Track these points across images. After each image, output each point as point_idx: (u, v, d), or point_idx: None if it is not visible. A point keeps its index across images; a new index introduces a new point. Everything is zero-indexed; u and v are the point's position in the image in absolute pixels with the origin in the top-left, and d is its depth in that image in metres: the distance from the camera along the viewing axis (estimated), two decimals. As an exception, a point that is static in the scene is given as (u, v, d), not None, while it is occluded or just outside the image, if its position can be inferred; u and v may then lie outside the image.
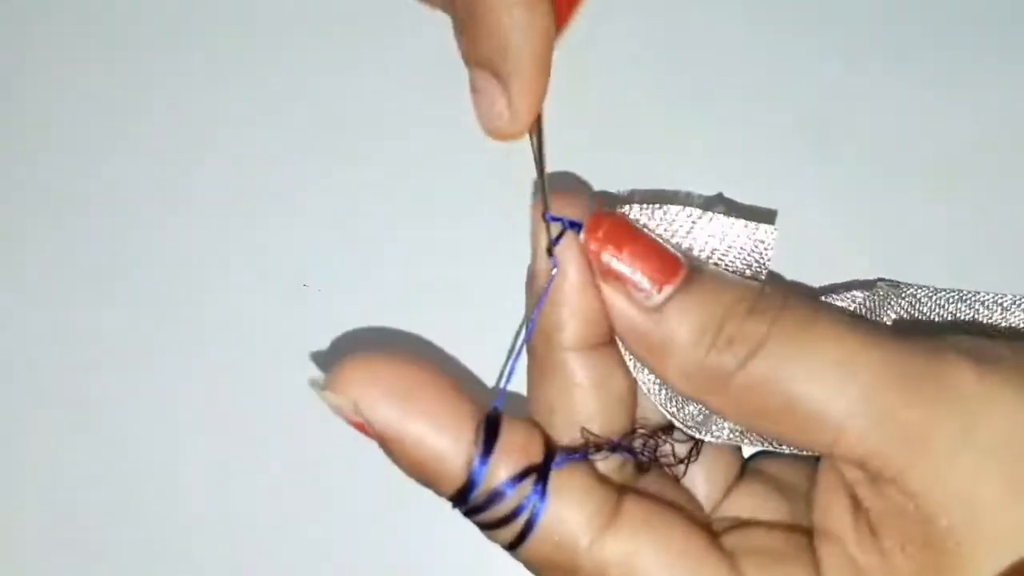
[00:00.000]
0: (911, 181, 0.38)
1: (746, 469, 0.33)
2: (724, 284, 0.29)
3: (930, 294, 0.34)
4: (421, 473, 0.28)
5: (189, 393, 0.38)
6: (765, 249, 0.31)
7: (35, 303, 0.39)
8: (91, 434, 0.38)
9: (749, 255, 0.31)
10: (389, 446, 0.28)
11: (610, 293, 0.29)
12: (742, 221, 0.30)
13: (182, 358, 0.38)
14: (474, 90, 0.30)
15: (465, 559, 0.37)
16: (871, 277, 0.37)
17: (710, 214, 0.30)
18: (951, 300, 0.34)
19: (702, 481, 0.32)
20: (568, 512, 0.28)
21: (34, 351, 0.39)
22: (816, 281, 0.37)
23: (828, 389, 0.26)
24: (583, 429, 0.30)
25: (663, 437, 0.31)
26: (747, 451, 0.33)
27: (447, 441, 0.27)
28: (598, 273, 0.29)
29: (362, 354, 0.28)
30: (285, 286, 0.38)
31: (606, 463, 0.30)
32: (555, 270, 0.29)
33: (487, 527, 0.28)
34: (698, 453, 0.32)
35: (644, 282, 0.29)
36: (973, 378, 0.26)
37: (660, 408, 0.31)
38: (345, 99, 0.39)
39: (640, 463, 0.31)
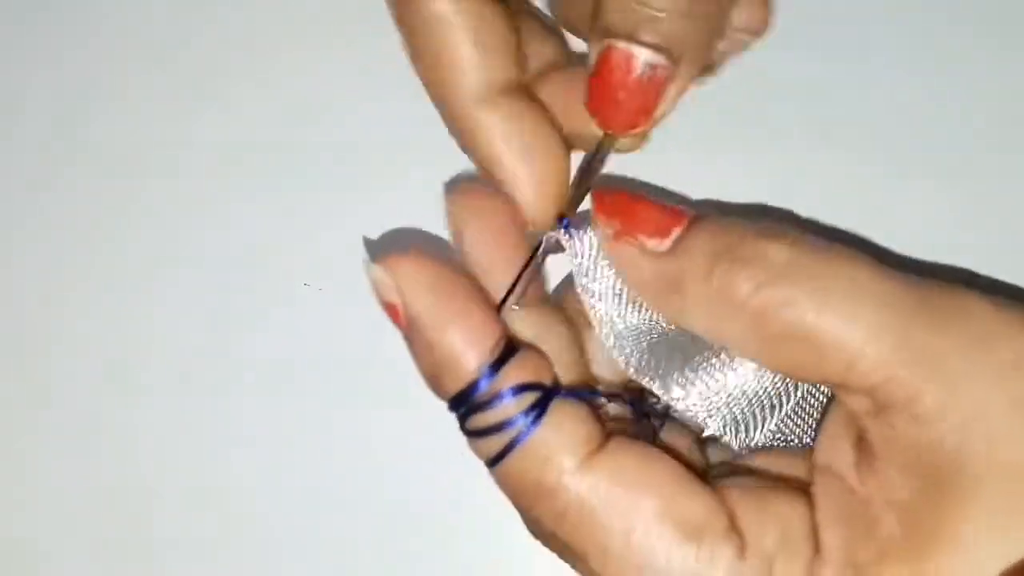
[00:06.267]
0: (914, 179, 0.38)
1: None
2: (734, 220, 0.29)
3: None
4: (434, 364, 0.29)
5: (189, 393, 0.38)
6: None
7: (40, 304, 0.39)
8: (93, 432, 0.38)
9: None
10: (415, 333, 0.29)
11: (622, 251, 0.29)
12: None
13: (181, 358, 0.39)
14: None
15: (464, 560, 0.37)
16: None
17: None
18: None
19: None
20: (562, 435, 0.28)
21: (36, 353, 0.39)
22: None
23: (845, 316, 0.26)
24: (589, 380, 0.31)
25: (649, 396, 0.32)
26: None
27: (469, 340, 0.29)
28: (609, 239, 0.30)
29: (419, 252, 0.29)
30: (285, 286, 0.38)
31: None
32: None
33: (476, 434, 0.29)
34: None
35: (654, 234, 0.29)
36: (990, 309, 0.26)
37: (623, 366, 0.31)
38: (345, 95, 0.39)
39: (637, 418, 0.32)
